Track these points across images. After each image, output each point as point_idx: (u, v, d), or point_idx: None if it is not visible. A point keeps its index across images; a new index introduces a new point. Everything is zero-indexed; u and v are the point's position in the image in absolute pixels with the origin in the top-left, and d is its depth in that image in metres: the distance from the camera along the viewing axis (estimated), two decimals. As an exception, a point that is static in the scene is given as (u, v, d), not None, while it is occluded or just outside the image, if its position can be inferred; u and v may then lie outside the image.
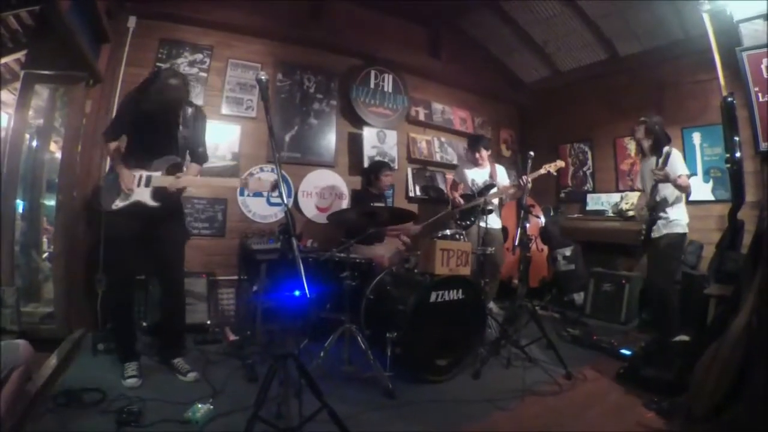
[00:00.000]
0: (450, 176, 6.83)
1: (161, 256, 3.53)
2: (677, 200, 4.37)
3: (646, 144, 4.50)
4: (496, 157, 7.45)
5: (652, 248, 4.41)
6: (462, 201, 5.43)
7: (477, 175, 5.53)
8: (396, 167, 6.09)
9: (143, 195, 3.29)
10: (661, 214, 4.25)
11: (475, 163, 5.56)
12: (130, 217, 3.29)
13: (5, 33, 4.77)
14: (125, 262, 3.44)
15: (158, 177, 3.32)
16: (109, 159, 3.35)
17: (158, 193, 3.32)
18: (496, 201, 5.42)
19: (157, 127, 3.31)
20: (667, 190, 4.27)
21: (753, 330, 2.58)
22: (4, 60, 5.30)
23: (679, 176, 4.12)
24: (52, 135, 4.67)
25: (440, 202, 6.66)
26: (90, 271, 4.35)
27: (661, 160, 4.13)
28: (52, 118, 4.55)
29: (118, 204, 3.27)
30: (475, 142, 5.61)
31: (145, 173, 3.30)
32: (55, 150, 4.66)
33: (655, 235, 4.28)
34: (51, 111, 4.53)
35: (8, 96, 6.24)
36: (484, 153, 5.49)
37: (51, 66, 4.03)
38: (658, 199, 4.24)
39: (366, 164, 6.03)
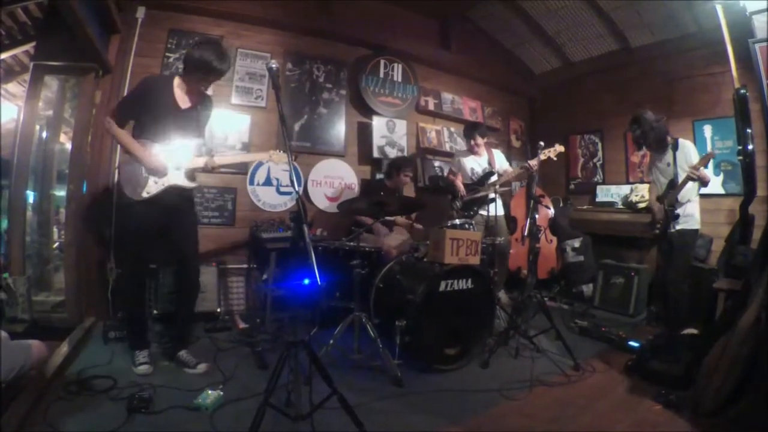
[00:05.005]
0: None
1: (180, 244, 3.44)
2: (693, 196, 4.36)
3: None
4: (507, 148, 7.45)
5: (665, 242, 4.38)
6: (464, 190, 5.38)
7: (475, 164, 5.48)
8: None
9: (178, 178, 3.28)
10: (678, 211, 4.21)
11: (472, 151, 5.52)
12: (152, 206, 3.22)
13: (14, 25, 4.81)
14: (142, 252, 3.40)
15: (190, 159, 3.32)
16: (118, 142, 3.21)
17: (191, 174, 3.35)
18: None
19: (173, 109, 3.28)
20: (687, 185, 4.23)
21: (762, 325, 2.57)
22: (14, 52, 5.35)
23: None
24: (62, 126, 4.70)
25: (449, 193, 6.65)
26: (101, 259, 4.39)
27: (699, 160, 4.10)
28: (62, 109, 4.58)
29: (151, 191, 3.21)
30: (470, 130, 5.54)
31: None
32: (65, 141, 4.70)
33: (670, 229, 4.24)
34: (61, 102, 4.55)
35: (18, 88, 6.30)
36: (480, 140, 5.41)
37: (60, 57, 4.05)
38: (681, 194, 4.20)
39: (376, 154, 6.05)
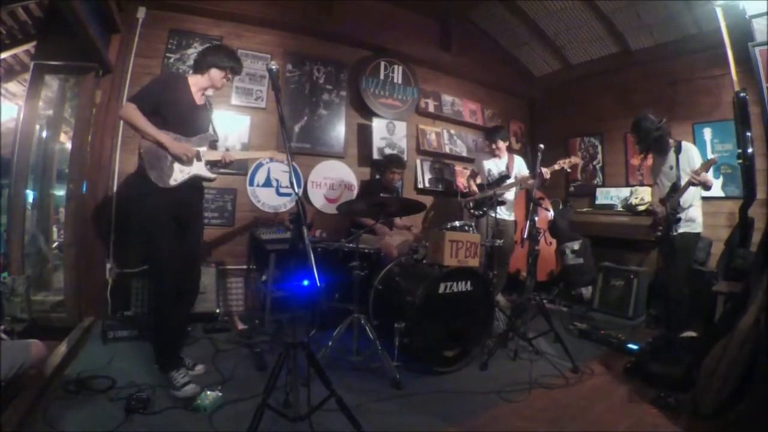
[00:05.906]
0: (459, 168, 6.84)
1: (189, 242, 3.31)
2: (695, 199, 4.35)
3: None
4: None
5: (667, 245, 4.37)
6: (477, 190, 5.43)
7: (493, 166, 5.51)
8: (405, 159, 6.00)
9: (200, 168, 3.26)
10: (681, 215, 4.20)
11: (493, 154, 5.56)
12: (175, 195, 3.12)
13: (14, 24, 4.81)
14: (172, 243, 3.13)
15: (207, 152, 3.32)
16: (139, 129, 3.05)
17: (210, 166, 3.36)
18: (510, 195, 5.44)
19: (191, 104, 3.29)
20: (689, 189, 4.22)
21: (761, 327, 2.57)
22: (14, 51, 5.35)
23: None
24: (62, 125, 4.70)
25: (449, 194, 6.66)
26: (100, 259, 4.39)
27: (700, 165, 4.10)
28: (62, 108, 4.57)
29: (177, 179, 3.13)
30: (492, 133, 5.62)
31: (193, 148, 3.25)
32: (65, 140, 4.69)
33: (672, 232, 4.23)
34: (61, 101, 4.55)
35: (18, 87, 6.31)
36: (501, 144, 5.46)
37: (61, 57, 4.05)
38: (683, 198, 4.20)
39: (375, 155, 6.06)
